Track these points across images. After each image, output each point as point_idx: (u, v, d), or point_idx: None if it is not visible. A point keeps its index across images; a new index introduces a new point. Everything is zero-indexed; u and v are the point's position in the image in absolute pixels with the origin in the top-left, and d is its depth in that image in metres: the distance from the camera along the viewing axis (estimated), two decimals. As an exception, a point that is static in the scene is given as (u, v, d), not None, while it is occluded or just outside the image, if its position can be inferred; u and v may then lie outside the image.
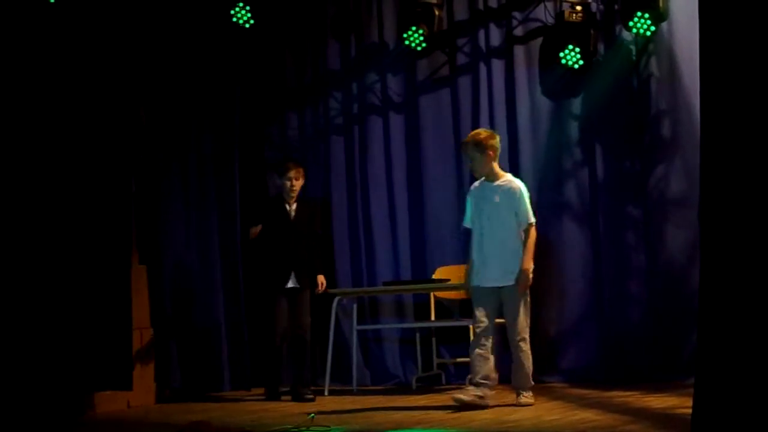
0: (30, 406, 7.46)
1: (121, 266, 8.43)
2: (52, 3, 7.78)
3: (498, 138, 7.47)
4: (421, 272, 9.20)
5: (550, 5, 8.95)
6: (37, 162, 7.92)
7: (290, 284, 8.43)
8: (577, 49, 8.64)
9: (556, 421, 6.46)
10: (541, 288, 8.79)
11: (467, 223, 7.52)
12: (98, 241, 8.24)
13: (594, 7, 8.81)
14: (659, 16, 8.36)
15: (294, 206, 8.57)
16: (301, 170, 8.59)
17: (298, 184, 8.54)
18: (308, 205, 8.70)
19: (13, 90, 7.80)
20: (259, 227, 8.57)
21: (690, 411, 4.92)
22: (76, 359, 7.95)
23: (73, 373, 7.93)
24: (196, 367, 8.97)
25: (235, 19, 8.46)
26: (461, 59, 9.31)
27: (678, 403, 6.79)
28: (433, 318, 9.12)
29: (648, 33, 8.42)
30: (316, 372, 9.20)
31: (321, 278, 8.64)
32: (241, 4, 8.43)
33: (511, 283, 7.22)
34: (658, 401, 7.13)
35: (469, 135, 7.58)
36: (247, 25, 8.49)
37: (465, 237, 9.04)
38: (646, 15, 8.32)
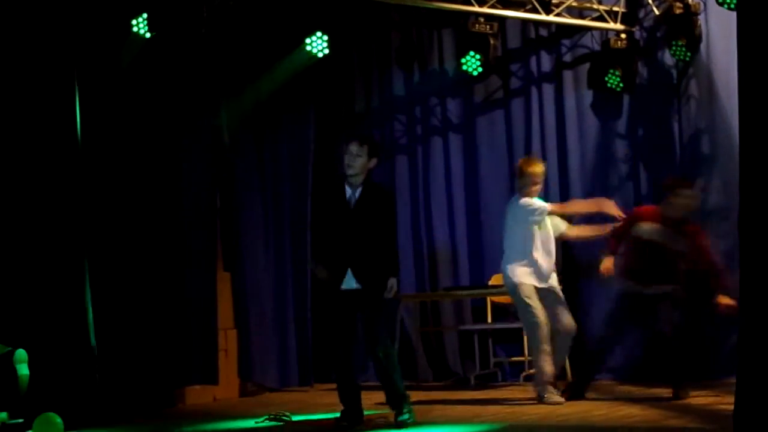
0: (129, 398, 7.52)
1: (208, 273, 8.49)
2: (148, 38, 7.84)
3: None
4: (479, 278, 9.14)
5: (596, 33, 8.91)
6: (143, 187, 8.05)
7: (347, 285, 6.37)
8: (622, 73, 8.57)
9: (604, 416, 6.38)
10: (591, 292, 8.73)
11: None
12: (188, 252, 8.30)
13: (638, 34, 8.77)
14: (695, 42, 8.29)
15: (358, 191, 6.42)
16: (355, 145, 6.40)
17: (352, 159, 6.38)
18: (375, 191, 6.50)
19: (118, 127, 7.91)
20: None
21: (730, 407, 4.83)
22: (169, 357, 8.01)
23: (167, 369, 7.99)
24: (273, 365, 8.98)
25: (309, 48, 8.47)
26: (514, 83, 9.27)
27: (718, 400, 6.68)
28: (489, 320, 9.05)
29: (686, 58, 8.36)
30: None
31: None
32: (318, 34, 8.43)
33: None
34: (699, 397, 7.00)
35: None
36: (321, 54, 8.50)
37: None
38: (680, 42, 8.26)
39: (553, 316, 7.27)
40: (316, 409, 7.37)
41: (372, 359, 6.45)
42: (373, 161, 6.43)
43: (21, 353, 6.61)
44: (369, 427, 6.40)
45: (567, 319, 7.29)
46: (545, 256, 7.37)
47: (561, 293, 7.38)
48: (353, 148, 6.36)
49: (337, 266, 6.35)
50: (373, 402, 6.77)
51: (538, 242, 7.35)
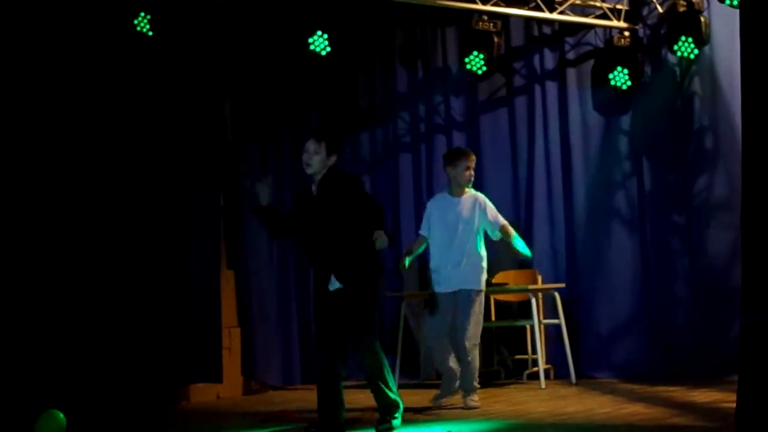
0: (132, 396, 7.53)
1: (212, 271, 8.49)
2: (150, 36, 7.85)
3: None
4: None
5: (600, 31, 8.90)
6: (145, 186, 8.06)
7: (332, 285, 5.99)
8: (626, 71, 8.57)
9: (607, 414, 6.37)
10: (593, 289, 8.73)
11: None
12: (192, 249, 8.31)
13: (641, 32, 8.77)
14: (702, 40, 8.28)
15: (317, 184, 6.02)
16: (312, 142, 6.01)
17: (309, 158, 5.97)
18: (334, 177, 6.03)
19: (123, 126, 7.92)
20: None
21: (733, 404, 4.83)
22: (173, 355, 8.02)
23: (170, 367, 8.00)
24: (276, 363, 8.98)
25: (312, 47, 8.48)
26: (518, 81, 9.26)
27: (721, 398, 6.67)
28: (493, 318, 9.03)
29: (691, 56, 8.35)
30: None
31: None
32: (319, 33, 8.45)
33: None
34: (702, 395, 7.01)
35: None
36: (324, 53, 8.50)
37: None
38: (690, 39, 8.26)
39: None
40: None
41: (360, 364, 6.09)
42: (333, 158, 6.00)
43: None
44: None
45: (458, 331, 6.98)
46: (445, 259, 7.08)
47: (468, 299, 6.97)
48: (310, 145, 5.95)
49: (321, 266, 5.97)
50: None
51: (435, 244, 7.17)
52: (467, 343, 6.97)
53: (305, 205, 6.07)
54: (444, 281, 7.10)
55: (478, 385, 7.08)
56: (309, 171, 5.98)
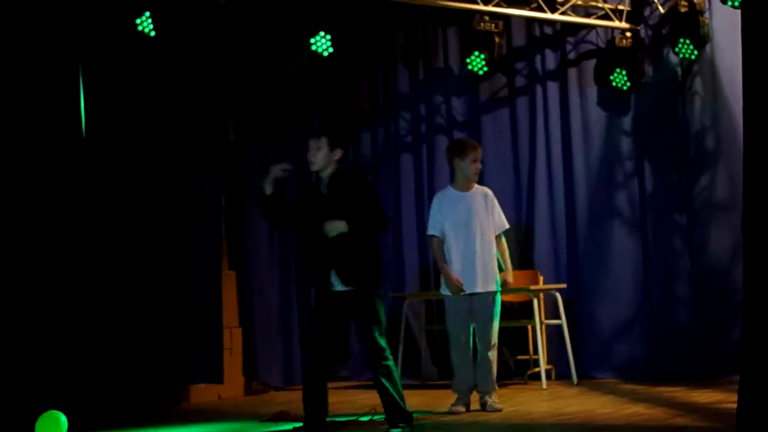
0: (133, 396, 7.52)
1: (213, 272, 8.48)
2: (152, 36, 7.84)
3: None
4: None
5: (601, 31, 8.91)
6: (148, 186, 8.05)
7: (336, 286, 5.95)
8: (627, 72, 8.56)
9: (609, 414, 6.36)
10: (594, 290, 8.72)
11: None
12: (193, 250, 8.30)
13: (643, 32, 8.78)
14: (703, 40, 8.28)
15: (327, 181, 6.04)
16: (313, 140, 6.08)
17: (312, 155, 6.02)
18: (343, 176, 6.08)
19: (124, 124, 7.91)
20: None
21: (734, 405, 4.82)
22: (174, 355, 8.01)
23: (171, 367, 7.99)
24: (277, 363, 8.97)
25: (315, 48, 8.48)
26: (519, 81, 9.25)
27: (723, 398, 6.66)
28: (494, 318, 9.01)
29: (692, 56, 8.35)
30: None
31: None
32: (321, 33, 8.45)
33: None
34: (703, 396, 7.00)
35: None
36: (326, 54, 8.50)
37: (521, 245, 8.99)
38: (689, 40, 8.25)
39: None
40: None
41: (372, 373, 5.94)
42: (338, 152, 5.96)
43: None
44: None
45: (483, 334, 6.79)
46: (457, 260, 6.75)
47: (488, 301, 6.76)
48: (311, 143, 5.98)
49: (323, 265, 5.91)
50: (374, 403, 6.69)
51: (452, 243, 6.78)
52: (492, 344, 6.79)
53: (310, 200, 6.05)
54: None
55: (497, 387, 6.90)
56: (314, 168, 5.98)
